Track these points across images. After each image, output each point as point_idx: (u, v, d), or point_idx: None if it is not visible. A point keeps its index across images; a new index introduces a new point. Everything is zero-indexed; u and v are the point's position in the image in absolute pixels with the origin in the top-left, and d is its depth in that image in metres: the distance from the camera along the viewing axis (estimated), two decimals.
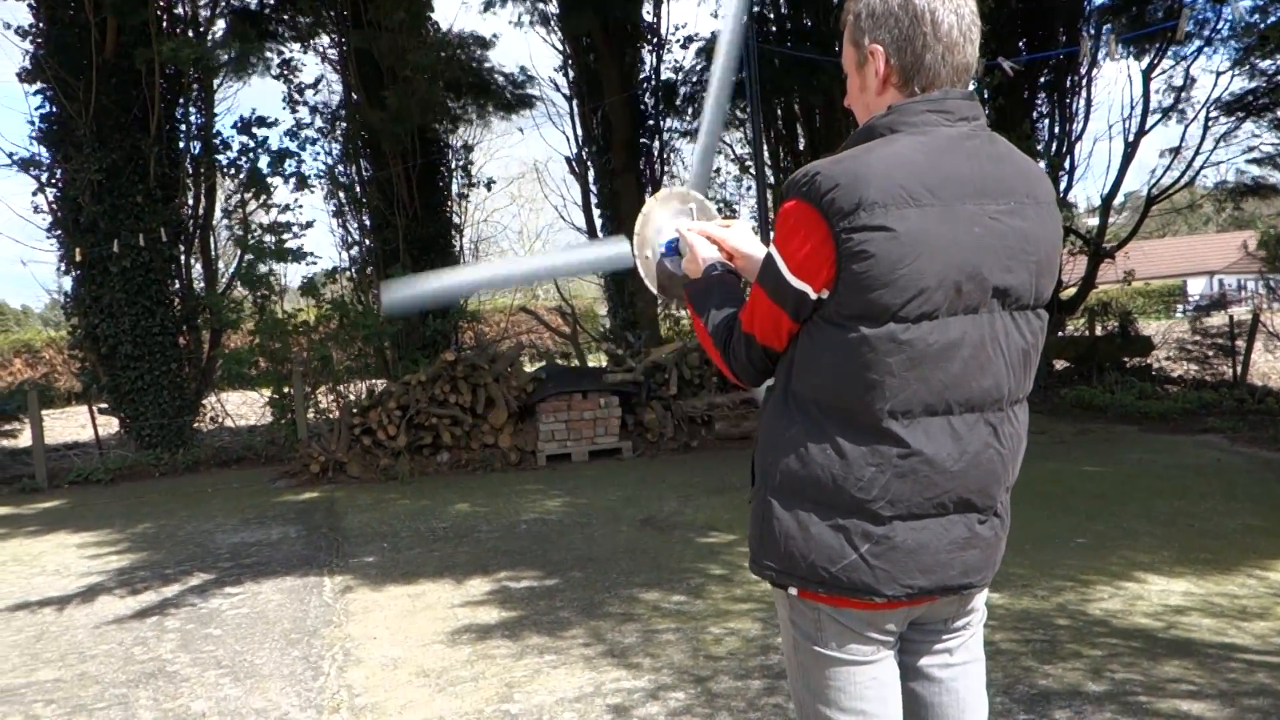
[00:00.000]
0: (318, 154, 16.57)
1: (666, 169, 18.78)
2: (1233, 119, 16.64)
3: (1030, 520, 6.62)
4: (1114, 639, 4.42)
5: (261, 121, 15.16)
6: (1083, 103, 16.94)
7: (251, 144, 15.14)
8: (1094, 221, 18.01)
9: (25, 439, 13.81)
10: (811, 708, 1.84)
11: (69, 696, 4.56)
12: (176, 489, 11.25)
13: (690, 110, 18.56)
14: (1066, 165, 16.76)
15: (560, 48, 19.08)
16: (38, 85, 13.60)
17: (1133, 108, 16.69)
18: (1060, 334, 16.37)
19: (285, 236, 14.88)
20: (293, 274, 57.91)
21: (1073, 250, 16.76)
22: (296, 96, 15.95)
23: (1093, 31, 16.18)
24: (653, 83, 18.45)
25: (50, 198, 13.80)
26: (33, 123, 13.75)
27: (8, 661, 5.18)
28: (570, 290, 25.37)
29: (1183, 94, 16.80)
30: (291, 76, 15.80)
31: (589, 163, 19.10)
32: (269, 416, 14.00)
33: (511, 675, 4.42)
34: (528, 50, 61.07)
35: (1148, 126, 16.43)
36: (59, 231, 13.84)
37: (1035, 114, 16.83)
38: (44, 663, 5.11)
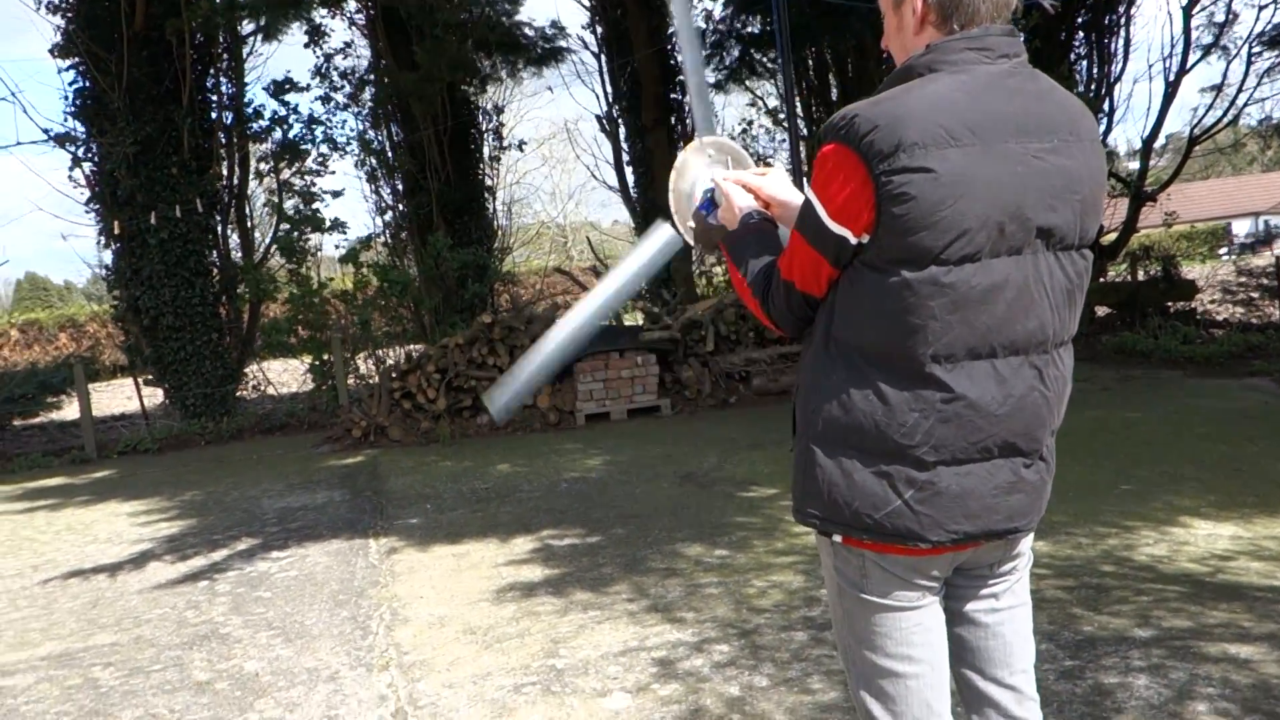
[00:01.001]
0: (344, 121, 16.56)
1: None
2: (1276, 53, 16.21)
3: (1073, 467, 6.57)
4: (1160, 584, 4.39)
5: (293, 85, 15.19)
6: (1121, 43, 16.55)
7: (283, 111, 15.20)
8: (1134, 165, 17.63)
9: (73, 411, 14.07)
10: (857, 654, 1.84)
11: (126, 659, 4.66)
12: (222, 457, 11.42)
13: (720, 61, 18.35)
14: (1106, 107, 16.40)
15: (587, 3, 18.92)
16: (70, 61, 13.69)
17: (1173, 46, 16.31)
18: (1102, 280, 16.12)
19: (317, 206, 14.95)
20: (327, 244, 58.26)
21: (1113, 194, 16.45)
22: (325, 67, 15.93)
23: None
24: None
25: (87, 172, 13.94)
26: (66, 98, 13.88)
27: (65, 627, 5.30)
28: (604, 250, 25.32)
29: (1224, 30, 16.37)
30: (320, 43, 15.77)
31: (619, 120, 18.97)
32: (310, 384, 14.15)
33: (557, 631, 4.46)
34: (555, 7, 60.62)
35: (1189, 65, 16.02)
36: (97, 206, 13.98)
37: (1073, 55, 16.46)
38: (100, 628, 5.23)
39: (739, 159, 2.20)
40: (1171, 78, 16.08)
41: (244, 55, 15.41)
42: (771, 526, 5.98)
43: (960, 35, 1.69)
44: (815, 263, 1.72)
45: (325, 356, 13.51)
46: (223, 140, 15.02)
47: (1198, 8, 15.89)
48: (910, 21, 1.75)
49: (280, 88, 15.12)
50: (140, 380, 14.69)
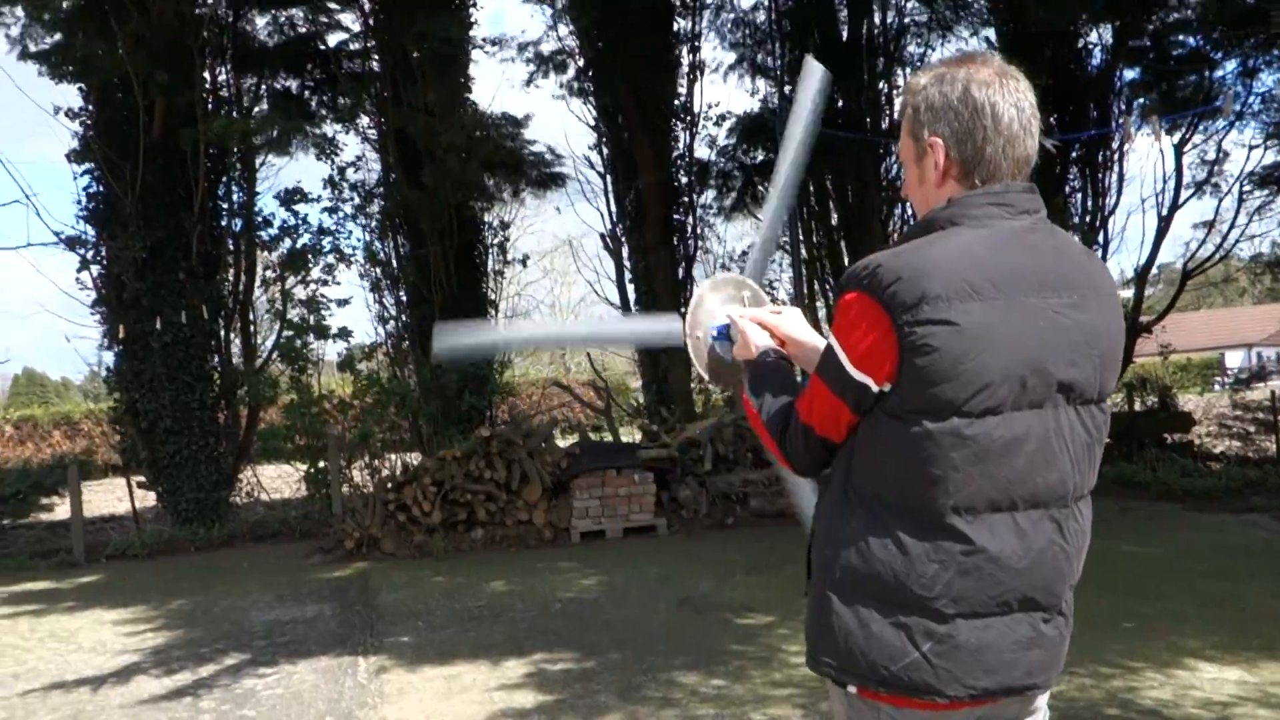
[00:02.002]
0: (349, 233, 16.73)
1: (701, 244, 18.89)
2: (1266, 192, 16.58)
3: (1074, 602, 6.47)
4: None
5: (303, 196, 15.43)
6: (1115, 177, 16.94)
7: (292, 220, 15.42)
8: (1128, 294, 17.87)
9: (64, 511, 13.91)
10: None
11: None
12: (212, 564, 11.26)
13: (725, 187, 18.77)
14: (1100, 239, 16.68)
15: (594, 125, 19.37)
16: (85, 165, 13.93)
17: (1165, 182, 16.66)
18: None
19: (324, 313, 15.05)
20: (329, 350, 58.48)
21: None
22: (338, 178, 16.20)
23: (1124, 108, 16.25)
24: (686, 160, 18.66)
25: (94, 274, 14.06)
26: (79, 201, 14.07)
27: None
28: (603, 363, 25.41)
29: (1215, 168, 16.78)
30: (333, 155, 16.08)
31: (623, 238, 19.25)
32: (304, 490, 14.03)
33: None
34: (562, 129, 62.12)
35: (1181, 200, 16.37)
36: (102, 308, 14.06)
37: (1068, 188, 16.83)
38: None
39: (757, 298, 2.23)
40: (1164, 212, 16.40)
41: (256, 165, 15.70)
42: (769, 656, 5.88)
43: (983, 190, 1.74)
44: (836, 408, 1.73)
45: (321, 464, 13.43)
46: (230, 247, 15.20)
47: (1189, 146, 16.31)
48: (932, 175, 1.80)
49: (290, 197, 15.36)
50: (134, 482, 14.56)
